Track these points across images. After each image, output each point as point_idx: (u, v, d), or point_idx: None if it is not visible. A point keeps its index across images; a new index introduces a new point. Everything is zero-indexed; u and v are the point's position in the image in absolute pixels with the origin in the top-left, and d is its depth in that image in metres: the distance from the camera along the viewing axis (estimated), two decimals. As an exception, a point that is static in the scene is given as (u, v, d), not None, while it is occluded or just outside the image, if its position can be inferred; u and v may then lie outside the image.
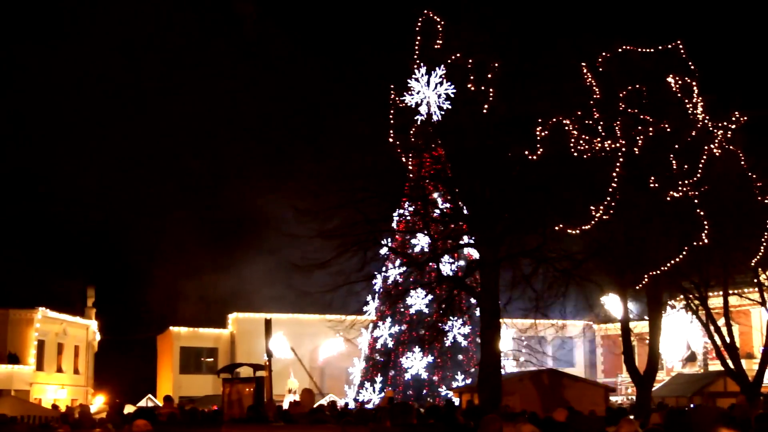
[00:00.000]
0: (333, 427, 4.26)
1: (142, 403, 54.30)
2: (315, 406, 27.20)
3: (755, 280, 34.55)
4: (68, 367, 61.92)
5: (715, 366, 43.92)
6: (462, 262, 43.68)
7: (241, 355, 58.99)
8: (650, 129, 27.55)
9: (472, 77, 29.30)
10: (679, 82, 28.43)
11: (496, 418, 10.78)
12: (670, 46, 28.27)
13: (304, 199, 31.65)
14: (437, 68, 33.21)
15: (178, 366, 67.41)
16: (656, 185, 27.35)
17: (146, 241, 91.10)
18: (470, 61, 29.51)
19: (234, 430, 4.99)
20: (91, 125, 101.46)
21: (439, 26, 32.96)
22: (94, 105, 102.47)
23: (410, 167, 32.96)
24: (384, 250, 35.36)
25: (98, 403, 53.89)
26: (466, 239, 32.95)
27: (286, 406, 30.95)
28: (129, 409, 32.95)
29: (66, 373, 61.46)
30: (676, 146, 27.83)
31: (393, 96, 32.67)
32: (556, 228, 27.78)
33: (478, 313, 33.02)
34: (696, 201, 27.53)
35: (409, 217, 36.45)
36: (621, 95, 27.61)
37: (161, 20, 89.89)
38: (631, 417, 15.16)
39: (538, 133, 27.11)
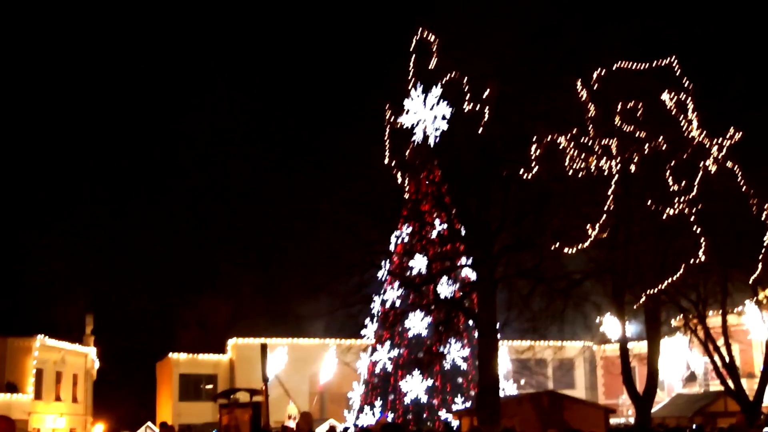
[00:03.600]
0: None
1: (141, 431, 54.10)
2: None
3: (754, 299, 34.35)
4: (67, 396, 61.66)
5: (716, 386, 43.71)
6: (459, 284, 43.55)
7: (240, 382, 58.70)
8: (646, 146, 27.49)
9: (467, 97, 29.28)
10: (674, 98, 28.38)
11: (480, 428, 10.66)
12: (664, 63, 28.22)
13: (301, 223, 31.68)
14: (433, 88, 33.20)
15: (177, 393, 67.11)
16: (653, 203, 27.26)
17: (144, 269, 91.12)
18: (465, 80, 29.51)
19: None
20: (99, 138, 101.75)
21: (433, 45, 32.93)
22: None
23: (407, 188, 32.94)
24: (382, 273, 35.27)
25: (97, 431, 53.67)
26: (463, 260, 32.89)
27: None
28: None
29: (64, 402, 61.21)
30: (672, 163, 27.76)
31: (388, 117, 32.65)
32: (553, 247, 27.70)
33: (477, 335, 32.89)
34: (693, 218, 27.44)
35: (406, 239, 36.37)
36: (616, 112, 27.55)
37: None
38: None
39: (533, 151, 27.06)
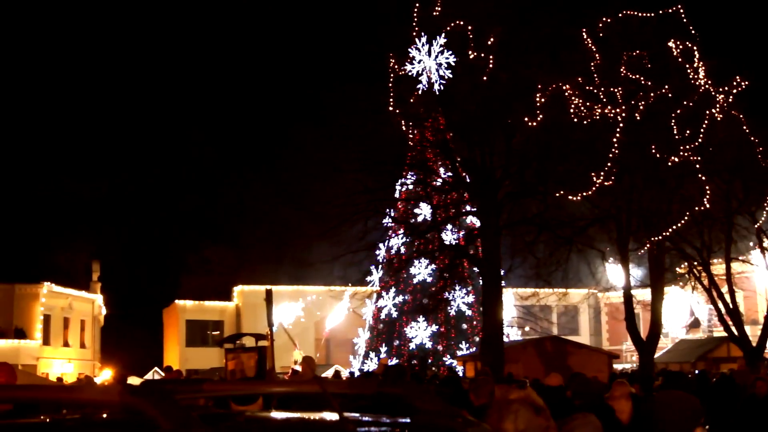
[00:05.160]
0: (311, 382, 4.35)
1: (149, 375, 54.40)
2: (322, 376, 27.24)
3: (758, 245, 34.41)
4: (75, 342, 62.00)
5: (720, 332, 43.85)
6: (464, 231, 43.60)
7: (246, 328, 58.68)
8: (651, 94, 27.42)
9: (471, 45, 29.17)
10: (680, 47, 28.28)
11: (488, 379, 10.77)
12: (670, 11, 28.10)
13: (306, 171, 31.68)
14: (437, 37, 33.00)
15: (184, 339, 67.47)
16: (657, 151, 27.25)
17: (150, 216, 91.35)
18: (469, 28, 29.37)
19: (215, 386, 5.07)
20: (95, 98, 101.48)
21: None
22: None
23: (411, 136, 32.90)
24: (387, 220, 35.33)
25: (105, 376, 53.92)
26: (468, 207, 32.95)
27: (291, 377, 30.96)
28: (134, 381, 32.98)
29: (72, 348, 61.54)
30: (678, 111, 27.71)
31: (393, 65, 32.52)
32: (557, 194, 27.75)
33: (481, 281, 33.01)
34: (698, 166, 27.45)
35: (411, 187, 36.42)
36: (622, 61, 27.46)
37: None
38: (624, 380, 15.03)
39: (537, 99, 27.01)
